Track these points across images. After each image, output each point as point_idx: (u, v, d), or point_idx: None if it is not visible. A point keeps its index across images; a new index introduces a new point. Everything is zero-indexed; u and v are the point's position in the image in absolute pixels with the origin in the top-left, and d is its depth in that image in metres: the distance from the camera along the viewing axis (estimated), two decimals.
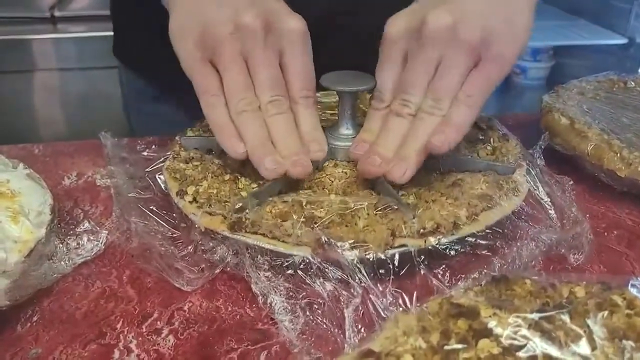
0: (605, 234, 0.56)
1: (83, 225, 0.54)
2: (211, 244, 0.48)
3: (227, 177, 0.52)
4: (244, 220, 0.47)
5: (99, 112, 1.59)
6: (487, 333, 0.34)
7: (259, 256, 0.46)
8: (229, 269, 0.48)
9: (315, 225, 0.46)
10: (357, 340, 0.40)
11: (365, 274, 0.43)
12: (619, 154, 0.59)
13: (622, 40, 1.93)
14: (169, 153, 0.58)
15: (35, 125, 1.67)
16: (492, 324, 0.34)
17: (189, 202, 0.50)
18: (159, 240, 0.50)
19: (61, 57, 1.55)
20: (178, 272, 0.48)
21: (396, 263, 0.45)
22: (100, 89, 1.59)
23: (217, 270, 0.48)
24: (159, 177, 0.55)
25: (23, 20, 1.52)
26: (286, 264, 0.46)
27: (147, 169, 0.56)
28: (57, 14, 1.53)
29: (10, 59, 1.52)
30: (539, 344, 0.33)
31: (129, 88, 0.91)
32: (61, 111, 1.67)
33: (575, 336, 0.34)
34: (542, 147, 0.59)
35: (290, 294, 0.45)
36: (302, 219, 0.46)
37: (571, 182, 0.55)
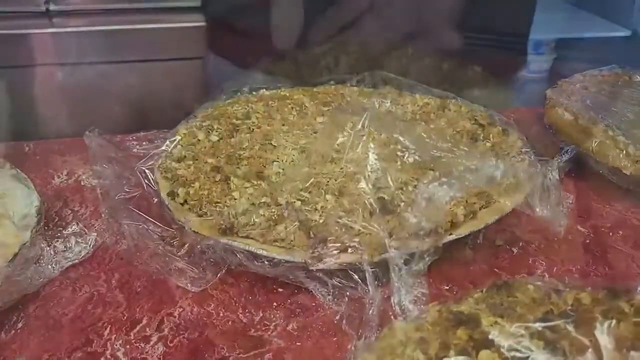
0: (610, 234, 0.54)
1: (71, 227, 0.52)
2: (207, 243, 0.46)
3: (218, 177, 0.50)
4: (235, 225, 0.45)
5: (97, 108, 1.57)
6: (488, 344, 0.32)
7: (255, 261, 0.45)
8: (233, 267, 0.46)
9: (310, 229, 0.44)
10: (353, 347, 0.39)
11: (360, 279, 0.42)
12: (624, 151, 0.57)
13: (626, 33, 1.90)
14: (161, 148, 0.56)
15: (32, 122, 1.65)
16: (493, 334, 0.33)
17: (180, 204, 0.49)
18: (153, 241, 0.48)
19: (58, 52, 1.53)
20: (180, 272, 0.46)
21: (393, 266, 0.43)
22: (98, 84, 1.57)
23: (224, 270, 0.47)
24: (150, 174, 0.53)
25: (17, 15, 1.50)
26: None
27: (138, 164, 0.54)
28: (52, 7, 1.51)
29: (5, 54, 1.50)
30: (542, 356, 0.31)
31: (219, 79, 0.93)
32: (59, 107, 1.64)
33: (580, 347, 0.32)
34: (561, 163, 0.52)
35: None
36: (296, 223, 0.44)
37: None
